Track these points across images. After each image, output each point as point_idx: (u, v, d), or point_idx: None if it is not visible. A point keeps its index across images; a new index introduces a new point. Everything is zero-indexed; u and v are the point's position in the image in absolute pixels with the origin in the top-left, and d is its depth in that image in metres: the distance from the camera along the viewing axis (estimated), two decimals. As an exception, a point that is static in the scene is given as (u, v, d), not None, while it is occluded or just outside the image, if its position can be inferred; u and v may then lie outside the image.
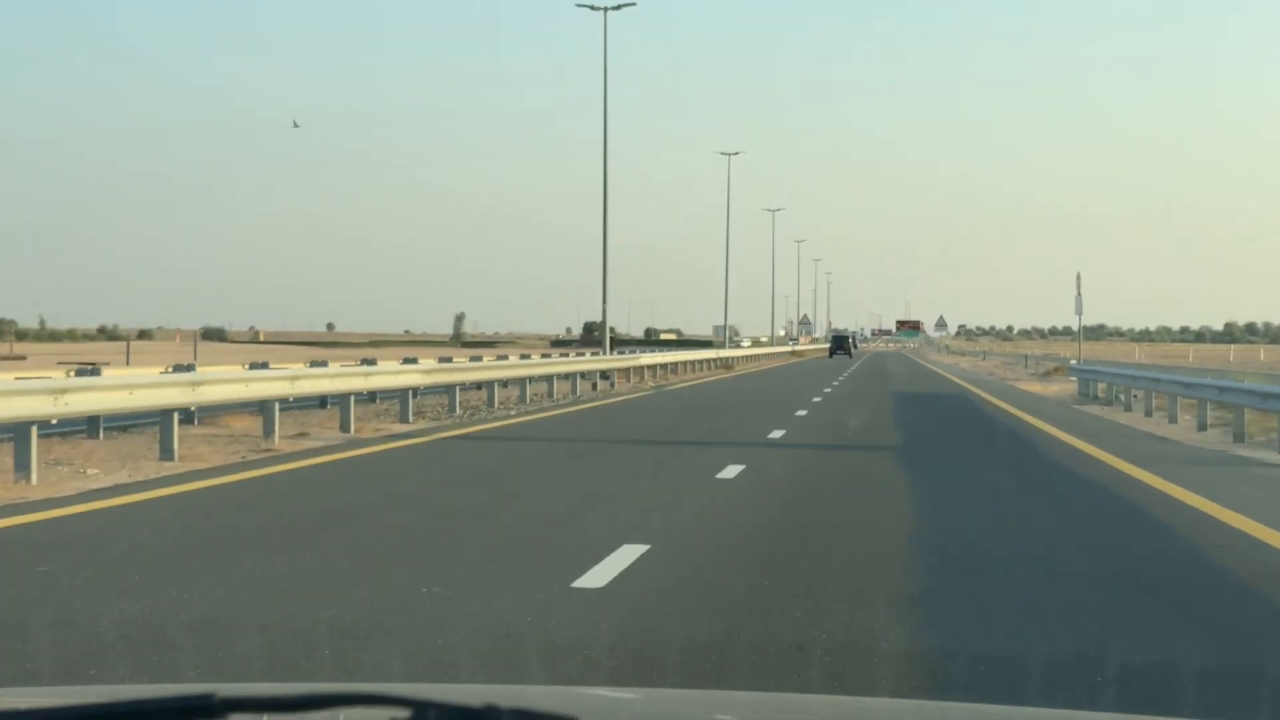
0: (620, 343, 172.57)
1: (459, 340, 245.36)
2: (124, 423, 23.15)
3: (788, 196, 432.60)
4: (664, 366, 56.77)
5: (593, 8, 55.69)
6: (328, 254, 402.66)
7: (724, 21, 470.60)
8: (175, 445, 18.75)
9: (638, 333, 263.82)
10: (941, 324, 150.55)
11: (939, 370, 78.16)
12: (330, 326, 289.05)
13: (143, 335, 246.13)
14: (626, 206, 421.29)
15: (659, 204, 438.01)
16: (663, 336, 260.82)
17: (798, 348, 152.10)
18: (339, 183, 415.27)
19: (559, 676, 7.31)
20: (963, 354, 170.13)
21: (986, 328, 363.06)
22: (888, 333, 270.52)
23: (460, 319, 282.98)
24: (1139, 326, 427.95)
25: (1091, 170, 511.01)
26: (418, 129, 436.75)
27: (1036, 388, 51.73)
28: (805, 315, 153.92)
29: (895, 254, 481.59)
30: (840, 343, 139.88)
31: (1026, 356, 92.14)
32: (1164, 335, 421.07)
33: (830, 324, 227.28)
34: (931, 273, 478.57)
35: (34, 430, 16.01)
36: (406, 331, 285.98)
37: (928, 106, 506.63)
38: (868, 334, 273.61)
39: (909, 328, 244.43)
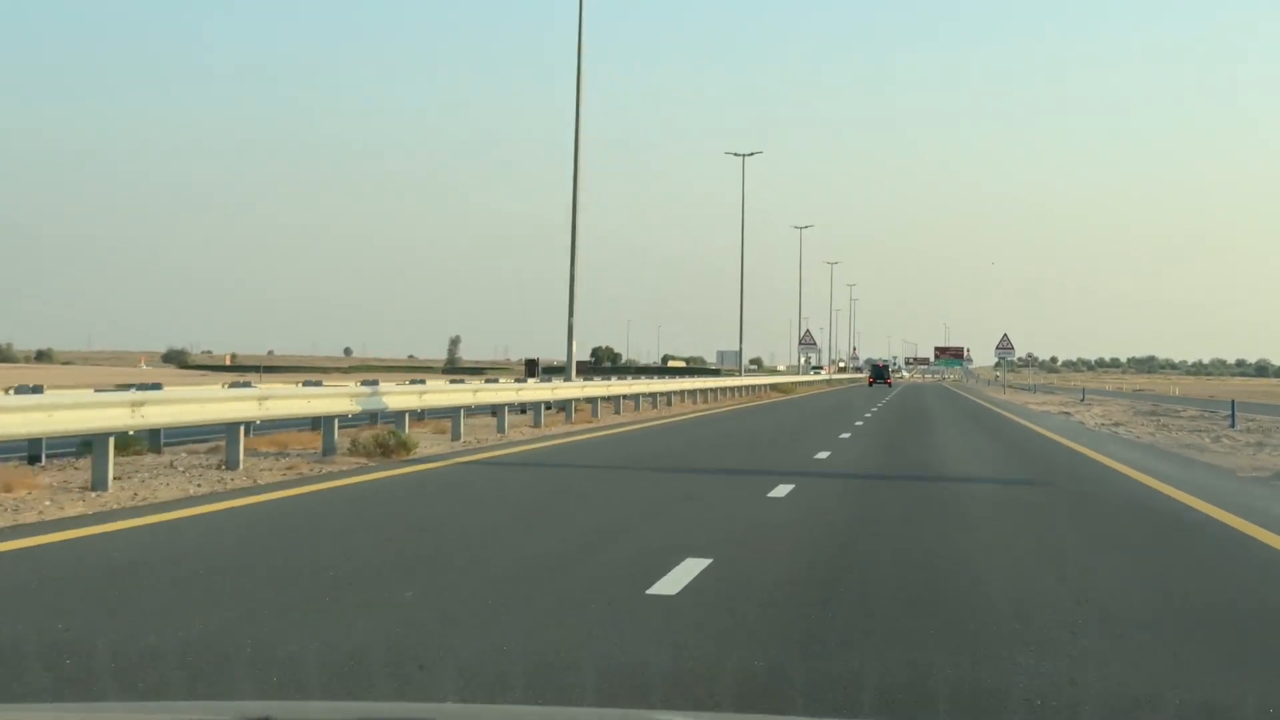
0: (593, 369, 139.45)
1: (453, 364, 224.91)
2: None
3: (820, 222, 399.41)
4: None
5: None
6: (351, 280, 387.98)
7: (751, 37, 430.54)
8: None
9: (655, 358, 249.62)
10: (1005, 346, 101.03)
11: (1131, 470, 27.20)
12: (348, 351, 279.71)
13: (41, 357, 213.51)
14: (648, 225, 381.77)
15: (679, 221, 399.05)
16: (671, 364, 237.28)
17: (798, 379, 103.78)
18: (378, 207, 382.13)
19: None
20: (1029, 390, 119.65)
21: (1026, 358, 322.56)
22: (924, 362, 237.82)
23: (455, 343, 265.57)
24: (1191, 359, 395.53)
25: (1138, 197, 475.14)
26: (452, 156, 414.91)
27: None
28: (808, 331, 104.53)
29: (929, 281, 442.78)
30: (880, 373, 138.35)
31: (1235, 406, 40.76)
32: (1219, 369, 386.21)
33: (855, 349, 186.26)
34: (967, 301, 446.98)
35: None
36: (411, 356, 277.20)
37: (966, 130, 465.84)
38: (901, 363, 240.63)
39: (950, 355, 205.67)
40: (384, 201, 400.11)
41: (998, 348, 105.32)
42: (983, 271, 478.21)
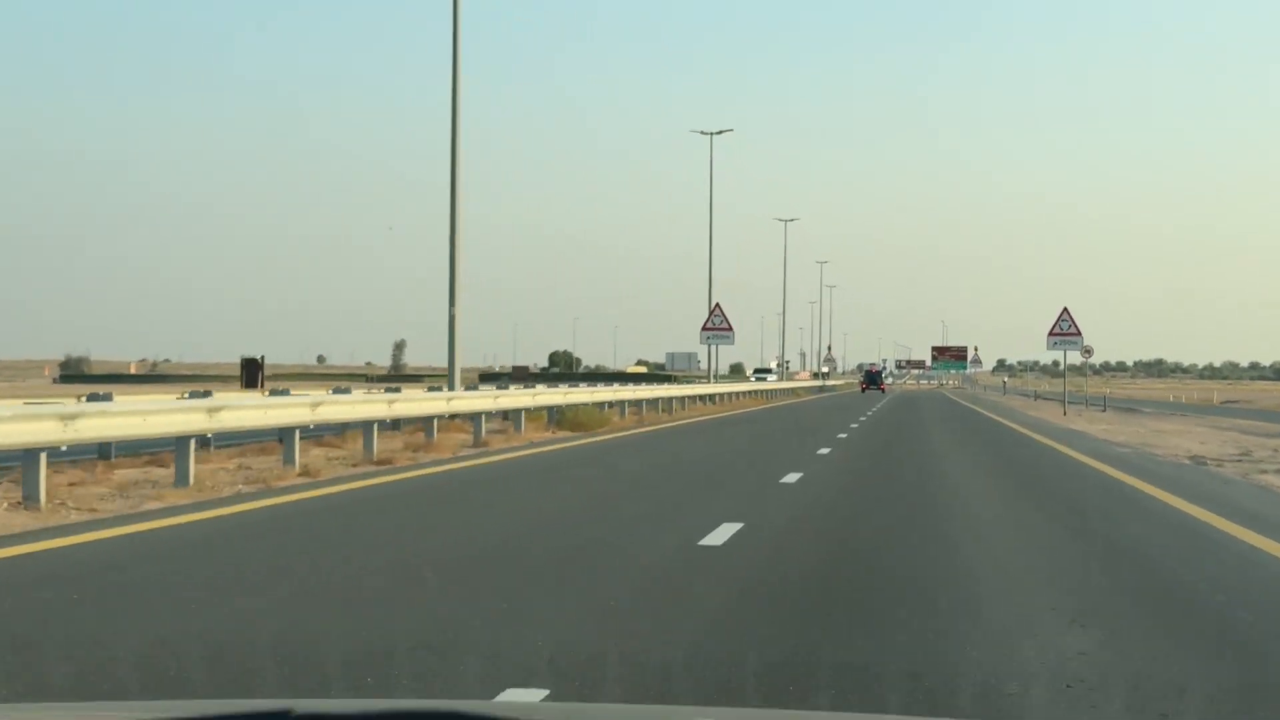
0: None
1: (397, 370, 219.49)
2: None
3: (807, 219, 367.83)
4: None
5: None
6: (319, 287, 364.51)
7: (737, 36, 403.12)
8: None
9: (610, 361, 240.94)
10: (1065, 333, 53.92)
11: None
12: (321, 359, 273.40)
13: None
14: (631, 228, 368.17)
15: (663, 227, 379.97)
16: (629, 370, 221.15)
17: (729, 388, 58.67)
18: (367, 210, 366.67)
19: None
20: (1090, 406, 70.95)
21: (1030, 363, 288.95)
22: (919, 365, 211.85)
23: (400, 347, 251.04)
24: (1201, 362, 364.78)
25: (1142, 194, 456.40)
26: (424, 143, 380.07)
27: None
28: (718, 306, 58.37)
29: (923, 283, 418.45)
30: (873, 378, 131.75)
31: None
32: (1233, 372, 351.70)
33: (829, 349, 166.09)
34: (965, 302, 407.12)
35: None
36: (369, 364, 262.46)
37: (965, 127, 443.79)
38: (891, 367, 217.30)
39: (951, 357, 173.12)
40: (389, 205, 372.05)
41: (1052, 334, 59.21)
42: (981, 272, 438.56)
